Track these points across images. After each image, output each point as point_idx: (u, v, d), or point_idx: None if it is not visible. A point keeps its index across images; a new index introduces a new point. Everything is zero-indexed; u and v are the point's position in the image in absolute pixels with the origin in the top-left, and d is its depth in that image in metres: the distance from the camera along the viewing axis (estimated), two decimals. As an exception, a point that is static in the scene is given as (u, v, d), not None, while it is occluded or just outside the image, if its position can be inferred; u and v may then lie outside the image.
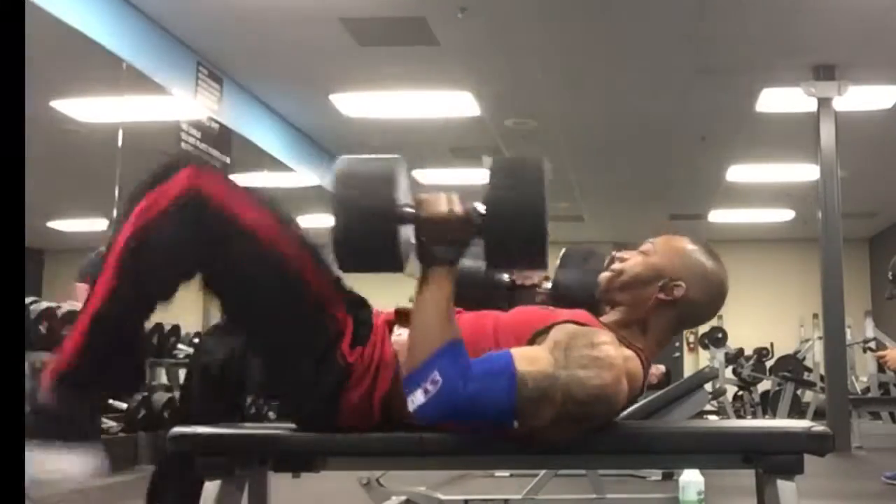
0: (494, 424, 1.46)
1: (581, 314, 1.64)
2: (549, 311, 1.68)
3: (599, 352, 1.49)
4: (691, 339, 13.67)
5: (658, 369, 4.56)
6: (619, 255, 1.72)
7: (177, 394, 5.99)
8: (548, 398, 1.43)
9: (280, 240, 1.59)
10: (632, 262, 1.70)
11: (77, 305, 5.83)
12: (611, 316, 1.70)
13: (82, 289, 6.24)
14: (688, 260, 1.69)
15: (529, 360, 1.46)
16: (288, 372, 1.62)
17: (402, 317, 1.68)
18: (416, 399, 1.43)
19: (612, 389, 1.48)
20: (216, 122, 7.35)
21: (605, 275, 1.72)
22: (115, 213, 7.94)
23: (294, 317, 1.60)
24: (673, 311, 1.67)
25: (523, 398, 1.43)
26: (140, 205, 1.56)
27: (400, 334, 1.66)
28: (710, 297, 1.70)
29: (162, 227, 1.54)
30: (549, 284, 2.00)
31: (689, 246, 1.72)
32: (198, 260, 1.59)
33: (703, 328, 10.88)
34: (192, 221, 1.54)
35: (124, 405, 5.73)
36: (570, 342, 1.49)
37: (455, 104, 8.24)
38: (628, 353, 1.57)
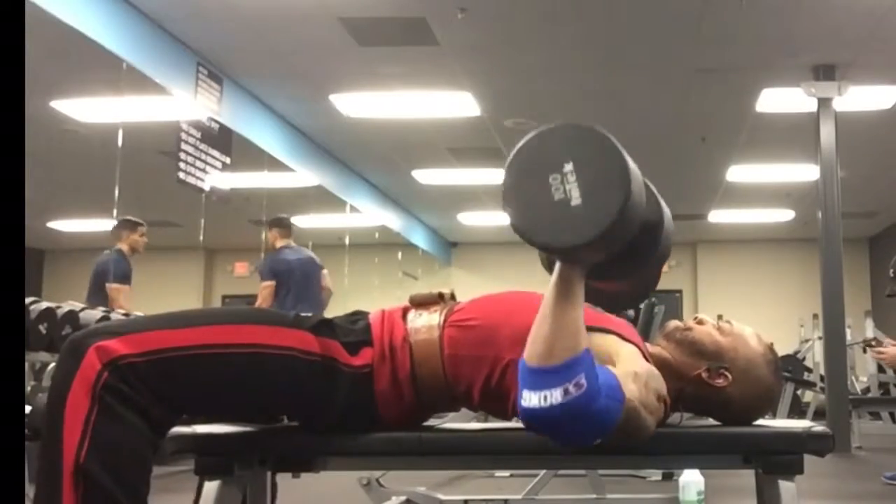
0: (591, 439, 1.39)
1: (631, 331, 1.63)
2: (598, 311, 1.67)
3: (660, 404, 1.50)
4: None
5: None
6: (701, 316, 1.71)
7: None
8: (626, 425, 1.40)
9: (220, 335, 1.55)
10: (703, 329, 1.68)
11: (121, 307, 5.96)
12: (662, 354, 1.67)
13: (119, 290, 6.33)
14: (750, 361, 1.65)
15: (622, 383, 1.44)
16: (315, 418, 1.63)
17: (416, 302, 1.70)
18: (553, 397, 1.32)
19: (649, 437, 1.50)
20: (216, 122, 7.35)
21: (676, 323, 1.71)
22: (115, 212, 7.95)
23: (279, 385, 1.57)
24: (706, 394, 1.64)
25: (619, 422, 1.39)
26: (66, 412, 1.44)
27: (416, 316, 1.66)
28: (745, 405, 1.66)
29: (106, 426, 1.43)
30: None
31: (759, 349, 1.68)
32: (162, 418, 1.51)
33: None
34: (128, 396, 1.46)
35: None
36: (647, 381, 1.47)
37: (455, 104, 8.24)
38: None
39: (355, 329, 1.65)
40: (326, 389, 1.58)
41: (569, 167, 1.34)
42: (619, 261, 1.44)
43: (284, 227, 6.93)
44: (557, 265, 1.40)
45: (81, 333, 1.51)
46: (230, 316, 1.60)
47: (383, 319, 1.67)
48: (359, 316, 1.70)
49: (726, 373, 1.63)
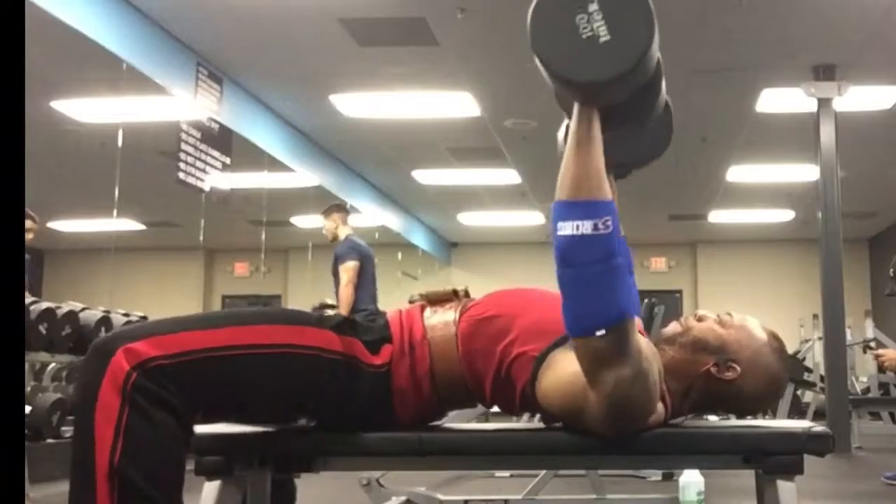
0: (604, 312, 1.39)
1: (639, 326, 1.64)
2: None
3: (659, 381, 1.50)
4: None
5: None
6: (701, 313, 1.71)
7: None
8: (632, 363, 1.40)
9: (245, 335, 1.56)
10: (704, 325, 1.67)
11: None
12: (664, 358, 1.66)
13: None
14: (756, 351, 1.66)
15: None
16: (336, 417, 1.63)
17: (432, 299, 1.72)
18: (584, 227, 1.38)
19: (646, 424, 1.51)
20: (216, 122, 7.35)
21: (675, 325, 1.70)
22: (115, 212, 7.95)
23: (304, 385, 1.59)
24: (716, 389, 1.64)
25: (624, 330, 1.39)
26: (97, 414, 1.44)
27: (433, 314, 1.68)
28: (757, 394, 1.67)
29: (138, 426, 1.44)
30: None
31: (764, 337, 1.68)
32: (189, 417, 1.52)
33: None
34: (159, 396, 1.46)
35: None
36: (653, 360, 1.49)
37: (454, 104, 8.24)
38: (661, 408, 1.58)
39: (375, 327, 1.66)
40: (349, 388, 1.60)
41: (594, 6, 1.38)
42: (630, 104, 1.49)
43: (347, 213, 6.87)
44: (576, 108, 1.44)
45: (107, 337, 1.52)
46: (254, 317, 1.61)
47: (401, 317, 1.69)
48: (377, 315, 1.72)
49: (734, 365, 1.63)
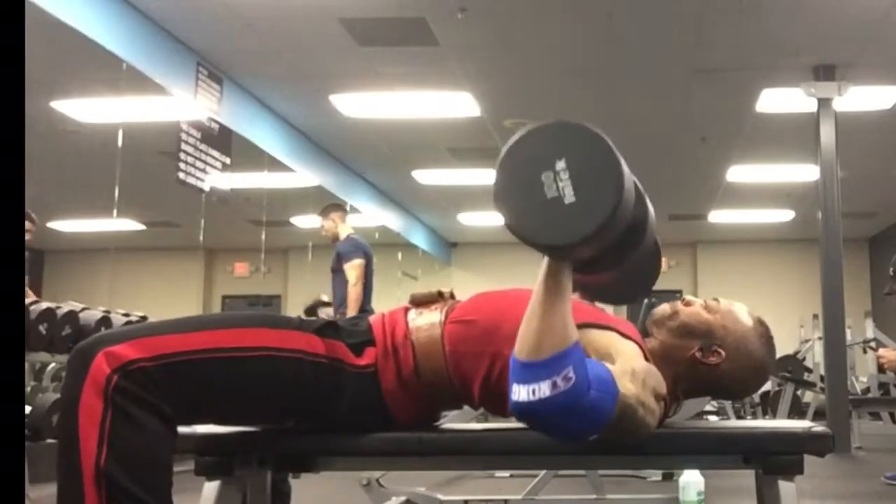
0: (584, 434, 1.41)
1: (632, 329, 1.64)
2: (598, 309, 1.69)
3: (659, 402, 1.50)
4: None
5: None
6: (687, 298, 1.72)
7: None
8: (621, 422, 1.41)
9: (229, 339, 1.55)
10: (691, 310, 1.69)
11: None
12: (653, 343, 1.68)
13: None
14: (740, 336, 1.67)
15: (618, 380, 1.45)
16: (324, 420, 1.63)
17: (417, 301, 1.72)
18: (541, 391, 1.33)
19: (649, 436, 1.51)
20: (216, 122, 7.35)
21: (664, 308, 1.72)
22: (115, 212, 7.95)
23: (288, 388, 1.58)
24: (702, 374, 1.66)
25: (614, 417, 1.40)
26: (80, 418, 1.44)
27: (418, 315, 1.68)
28: (742, 379, 1.68)
29: (122, 429, 1.44)
30: None
31: (749, 323, 1.70)
32: (174, 419, 1.51)
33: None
34: (140, 397, 1.46)
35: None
36: (646, 379, 1.48)
37: (454, 104, 8.24)
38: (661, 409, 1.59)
39: (357, 330, 1.66)
40: (334, 390, 1.59)
41: (561, 165, 1.34)
42: (604, 256, 1.44)
43: (344, 211, 7.00)
44: (546, 261, 1.41)
45: (88, 340, 1.52)
46: (237, 320, 1.61)
47: (384, 320, 1.69)
48: (359, 318, 1.72)
49: (719, 349, 1.65)
